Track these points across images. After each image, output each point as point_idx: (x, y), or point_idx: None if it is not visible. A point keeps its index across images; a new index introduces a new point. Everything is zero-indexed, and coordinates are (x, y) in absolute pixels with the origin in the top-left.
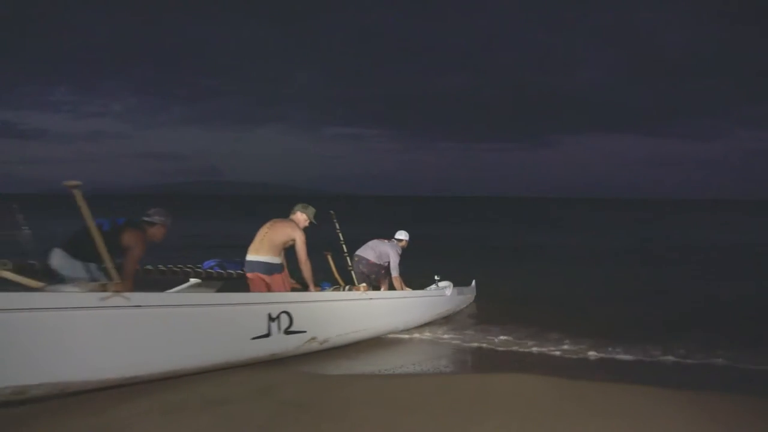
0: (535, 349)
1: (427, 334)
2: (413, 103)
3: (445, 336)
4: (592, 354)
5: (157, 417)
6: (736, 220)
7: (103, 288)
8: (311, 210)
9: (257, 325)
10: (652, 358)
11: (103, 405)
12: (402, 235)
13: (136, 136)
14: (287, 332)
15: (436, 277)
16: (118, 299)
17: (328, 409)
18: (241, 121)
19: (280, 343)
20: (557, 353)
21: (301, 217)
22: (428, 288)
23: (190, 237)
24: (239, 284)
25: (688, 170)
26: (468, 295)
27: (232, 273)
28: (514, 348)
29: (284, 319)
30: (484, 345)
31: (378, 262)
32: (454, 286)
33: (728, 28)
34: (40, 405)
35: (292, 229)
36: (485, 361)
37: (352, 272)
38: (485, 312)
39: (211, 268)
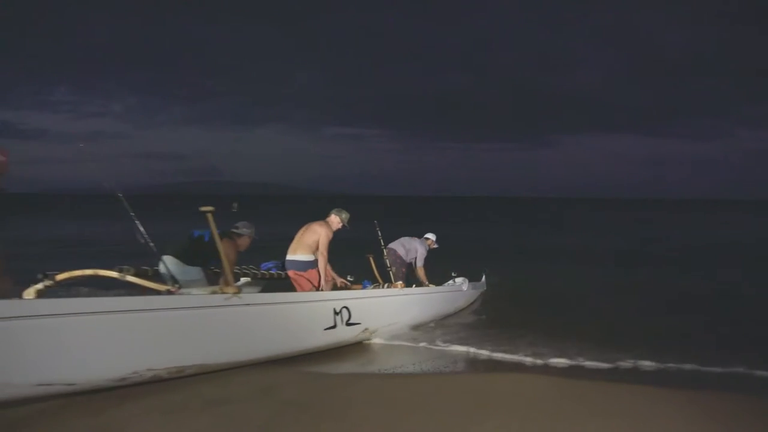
0: (535, 349)
1: (427, 334)
2: (413, 103)
3: (445, 336)
4: (591, 354)
5: (158, 417)
6: (736, 219)
7: (219, 291)
8: (345, 215)
9: (327, 319)
10: (651, 358)
11: (103, 405)
12: (430, 235)
13: (136, 136)
14: (348, 324)
15: (453, 274)
16: (235, 299)
17: (328, 408)
18: (240, 121)
19: (343, 334)
20: (557, 353)
21: (334, 219)
22: (446, 284)
23: None
24: (281, 283)
25: (688, 170)
26: (480, 289)
27: (281, 273)
28: (514, 348)
29: (345, 313)
30: (484, 345)
31: (404, 258)
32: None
33: (728, 28)
34: (40, 405)
35: (320, 227)
36: (485, 361)
37: (390, 272)
38: (486, 311)
39: (269, 269)
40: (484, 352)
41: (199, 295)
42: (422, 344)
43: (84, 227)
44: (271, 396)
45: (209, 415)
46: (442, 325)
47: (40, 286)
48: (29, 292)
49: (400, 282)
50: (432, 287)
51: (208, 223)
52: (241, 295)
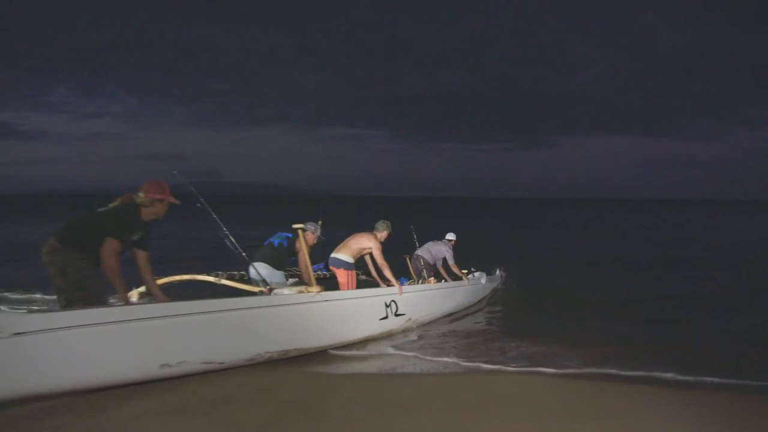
0: (534, 349)
1: (426, 333)
2: (412, 103)
3: (445, 335)
4: (591, 354)
5: (157, 418)
6: (735, 220)
7: (305, 290)
8: (388, 225)
9: (381, 311)
10: (652, 359)
11: (103, 406)
12: (451, 235)
13: (136, 136)
14: (396, 315)
15: (471, 269)
16: (318, 296)
17: (328, 409)
18: (240, 122)
19: (392, 323)
20: (557, 353)
21: (384, 233)
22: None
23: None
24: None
25: (687, 171)
26: (495, 282)
27: (326, 273)
28: (514, 348)
29: (393, 306)
30: (484, 345)
31: (431, 262)
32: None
33: (727, 29)
34: (42, 405)
35: (368, 240)
36: (485, 361)
37: (423, 270)
38: (486, 311)
39: (319, 270)
40: (485, 352)
41: (294, 294)
42: (422, 343)
43: None
44: (271, 396)
45: (208, 416)
46: (443, 324)
47: (142, 289)
48: (132, 294)
49: (432, 278)
50: (459, 282)
51: (299, 238)
52: (321, 292)
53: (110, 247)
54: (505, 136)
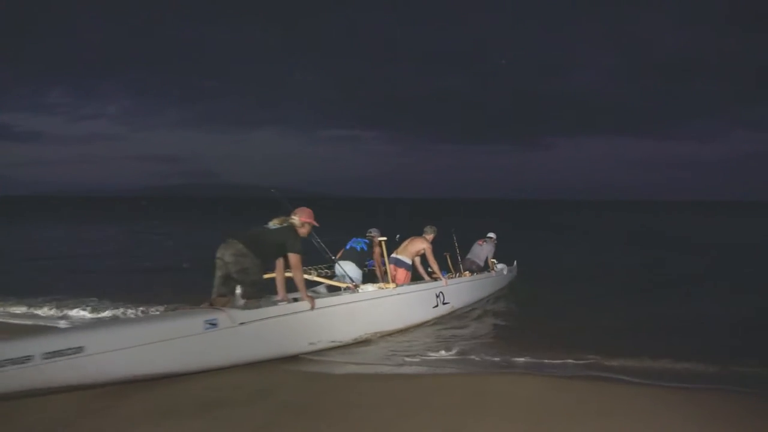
0: (532, 350)
1: (425, 334)
2: (410, 105)
3: (445, 336)
4: (589, 355)
5: (153, 420)
6: (733, 222)
7: (383, 286)
8: (435, 229)
9: (433, 300)
10: (649, 358)
11: (98, 408)
12: (492, 234)
13: (132, 138)
14: (443, 303)
15: (493, 261)
16: (394, 290)
17: (326, 410)
18: (237, 123)
19: (441, 310)
20: (555, 354)
21: (431, 236)
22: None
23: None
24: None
25: (686, 172)
26: (513, 273)
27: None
28: (512, 348)
29: (441, 296)
30: (483, 345)
31: (480, 263)
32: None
33: (725, 31)
34: (37, 406)
35: (421, 242)
36: (484, 362)
37: (461, 266)
38: (485, 313)
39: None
40: (483, 352)
41: (377, 290)
42: (421, 344)
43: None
44: (268, 398)
45: (204, 418)
46: (442, 324)
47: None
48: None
49: (468, 272)
50: (489, 273)
51: (380, 247)
52: (396, 287)
53: (298, 260)
54: (504, 138)
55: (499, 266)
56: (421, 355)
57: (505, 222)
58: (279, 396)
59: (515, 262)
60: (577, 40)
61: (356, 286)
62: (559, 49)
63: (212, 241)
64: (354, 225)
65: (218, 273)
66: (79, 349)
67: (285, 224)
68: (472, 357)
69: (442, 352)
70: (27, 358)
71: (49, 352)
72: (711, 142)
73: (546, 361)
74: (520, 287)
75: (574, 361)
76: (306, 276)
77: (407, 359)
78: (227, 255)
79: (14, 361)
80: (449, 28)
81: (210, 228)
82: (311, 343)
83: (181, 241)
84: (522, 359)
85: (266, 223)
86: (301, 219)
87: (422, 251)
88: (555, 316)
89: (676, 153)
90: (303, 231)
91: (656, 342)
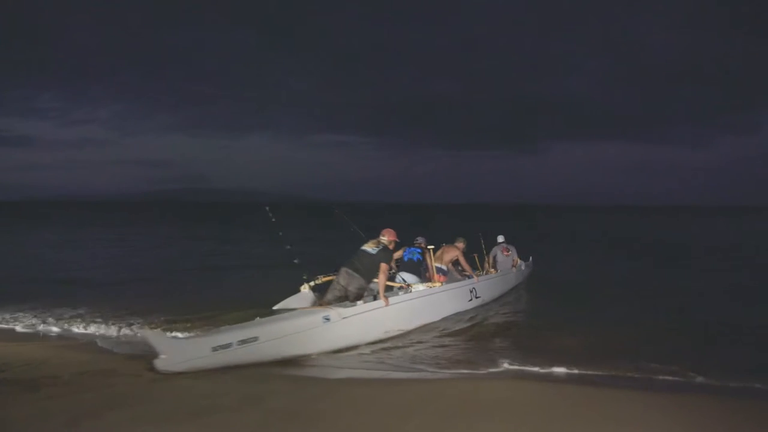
0: (525, 355)
1: (418, 339)
2: (402, 110)
3: (438, 340)
4: (582, 360)
5: (144, 427)
6: (721, 226)
7: (431, 285)
8: (464, 240)
9: (468, 295)
10: (646, 364)
11: (88, 412)
12: (501, 238)
13: (123, 143)
14: (476, 297)
15: (516, 259)
16: (440, 288)
17: (317, 416)
18: (229, 128)
19: (474, 303)
20: (549, 360)
21: (461, 244)
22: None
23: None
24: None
25: (676, 177)
26: (530, 269)
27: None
28: (506, 353)
29: (474, 291)
30: (476, 351)
31: (508, 265)
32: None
33: (716, 38)
34: (26, 411)
35: (454, 251)
36: (477, 366)
37: (487, 264)
38: (478, 317)
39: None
40: (477, 357)
41: (427, 288)
42: (414, 348)
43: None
44: (259, 404)
45: (196, 425)
46: (435, 328)
47: (311, 283)
48: (305, 287)
49: (493, 269)
50: (509, 270)
51: (429, 252)
52: (440, 285)
53: (385, 269)
54: (496, 143)
55: (519, 263)
56: (415, 360)
57: (500, 226)
58: (270, 402)
59: (530, 258)
60: (569, 45)
61: (408, 285)
62: (552, 53)
63: (192, 248)
64: (346, 230)
65: (336, 293)
66: (255, 339)
67: (380, 246)
68: (464, 362)
69: (436, 357)
70: (227, 345)
71: (240, 341)
72: (701, 147)
73: (539, 367)
74: (515, 292)
75: (567, 368)
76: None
77: (401, 364)
78: (342, 281)
79: (222, 347)
80: (441, 33)
81: (193, 238)
82: (386, 332)
83: (166, 249)
84: (516, 364)
85: (362, 245)
86: (389, 238)
87: (456, 258)
88: (549, 322)
89: (666, 158)
90: (392, 247)
91: (650, 348)
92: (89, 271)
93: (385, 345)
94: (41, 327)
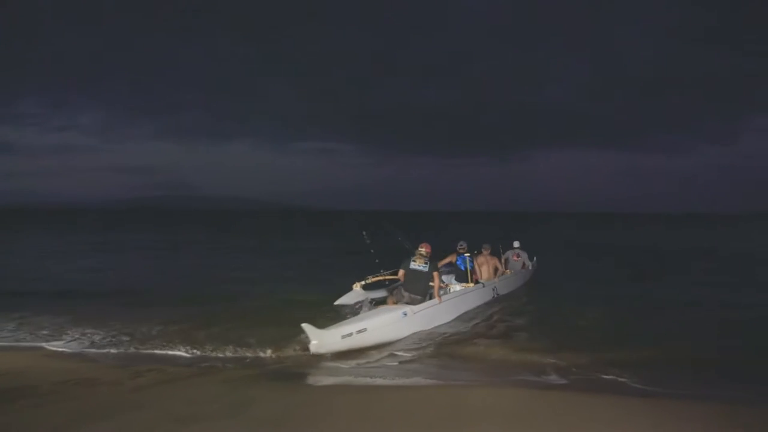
0: (510, 363)
1: (405, 345)
2: (386, 118)
3: (425, 347)
4: (566, 366)
5: None
6: (703, 234)
7: (469, 285)
8: (490, 246)
9: (491, 293)
10: (627, 370)
11: (69, 423)
12: (517, 243)
13: (106, 149)
14: (496, 294)
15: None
16: (473, 288)
17: (302, 424)
18: (213, 136)
19: (496, 298)
20: (533, 367)
21: (488, 250)
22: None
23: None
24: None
25: (657, 185)
26: (536, 266)
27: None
28: (490, 361)
29: (496, 289)
30: (462, 358)
31: (521, 267)
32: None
33: (693, 50)
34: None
35: (493, 258)
36: (463, 374)
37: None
38: (468, 325)
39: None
40: (462, 365)
41: (464, 288)
42: (399, 355)
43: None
44: (245, 411)
45: None
46: (420, 335)
47: (362, 282)
48: (356, 286)
49: (509, 270)
50: (520, 269)
51: (469, 260)
52: (473, 285)
53: (437, 276)
54: (481, 151)
55: (528, 263)
56: (401, 368)
57: (487, 233)
58: (256, 410)
59: (535, 258)
60: (554, 55)
61: (446, 285)
62: (536, 62)
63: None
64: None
65: (403, 300)
66: (365, 329)
67: (427, 261)
68: (451, 370)
69: (425, 365)
70: (349, 334)
71: (357, 331)
72: (679, 155)
73: (522, 373)
74: (502, 299)
75: (549, 374)
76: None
77: (387, 371)
78: (405, 297)
79: (347, 336)
80: (426, 41)
81: (174, 245)
82: (440, 322)
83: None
84: (498, 372)
85: (411, 263)
86: (427, 251)
87: (494, 266)
88: (534, 328)
89: (650, 165)
90: (430, 255)
91: (625, 354)
92: (71, 280)
93: (365, 353)
94: (22, 336)
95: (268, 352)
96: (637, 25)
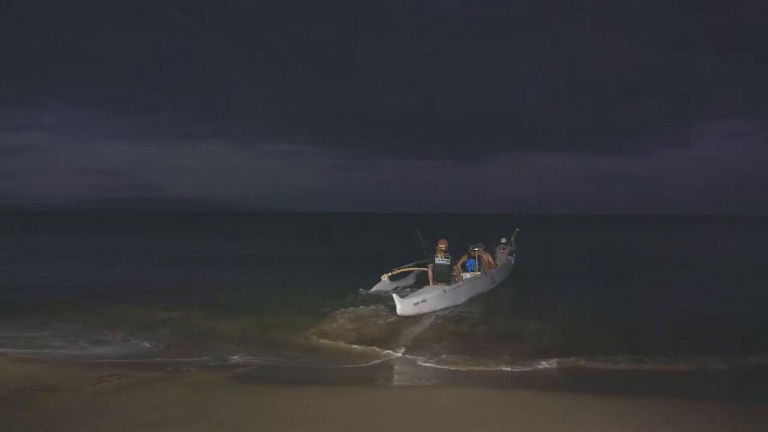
0: (474, 364)
1: (370, 343)
2: (354, 120)
3: (387, 348)
4: (528, 365)
5: None
6: (664, 234)
7: (478, 275)
8: (482, 244)
9: (491, 280)
10: (591, 368)
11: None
12: (504, 239)
13: (70, 150)
14: (493, 282)
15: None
16: (478, 276)
17: (265, 428)
18: (179, 136)
19: (494, 285)
20: (497, 367)
21: (479, 247)
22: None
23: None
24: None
25: (619, 187)
26: (514, 261)
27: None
28: (456, 362)
29: (493, 278)
30: (424, 358)
31: (502, 259)
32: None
33: (654, 56)
34: None
35: (484, 253)
36: (427, 375)
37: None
38: (429, 326)
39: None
40: (425, 366)
41: (474, 276)
42: (364, 356)
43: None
44: (208, 416)
45: None
46: (384, 335)
47: (389, 274)
48: (384, 276)
49: (498, 262)
50: (506, 262)
51: (479, 253)
52: (480, 274)
53: (458, 266)
54: (447, 153)
55: (509, 258)
56: (365, 370)
57: (457, 235)
58: (218, 414)
59: (514, 254)
60: (517, 60)
61: (461, 273)
62: (500, 67)
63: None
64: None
65: (436, 284)
66: (425, 300)
67: (447, 255)
68: (415, 370)
69: (389, 368)
70: (417, 302)
71: (422, 300)
72: (643, 158)
73: (488, 374)
74: (476, 298)
75: (512, 373)
76: (424, 269)
77: (351, 373)
78: (434, 283)
79: (416, 304)
80: (394, 44)
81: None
82: (462, 301)
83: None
84: (464, 372)
85: (435, 258)
86: (445, 247)
87: (486, 257)
88: (495, 330)
89: (612, 168)
90: (448, 249)
91: (598, 353)
92: (34, 282)
93: (330, 353)
94: None
95: (236, 357)
96: (597, 31)
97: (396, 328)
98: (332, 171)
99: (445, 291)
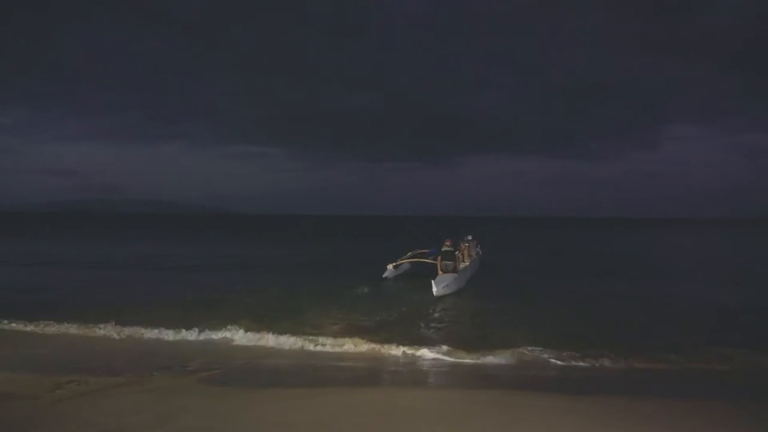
0: (440, 363)
1: (338, 347)
2: (320, 122)
3: (353, 348)
4: (491, 362)
5: None
6: (632, 237)
7: (466, 264)
8: (464, 239)
9: (471, 269)
10: (554, 367)
11: None
12: (470, 236)
13: (28, 151)
14: (474, 268)
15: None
16: (469, 263)
17: None
18: (143, 137)
19: (473, 270)
20: (466, 365)
21: (464, 243)
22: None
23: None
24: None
25: (586, 189)
26: (482, 255)
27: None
28: (423, 362)
29: (473, 264)
30: (391, 358)
31: (471, 252)
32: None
33: (621, 59)
34: None
35: (464, 248)
36: (393, 375)
37: (469, 258)
38: (395, 323)
39: (433, 255)
40: (393, 366)
41: (466, 264)
42: (333, 357)
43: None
44: (171, 422)
45: None
46: (352, 332)
47: (393, 264)
48: (390, 266)
49: (473, 253)
50: (478, 256)
51: (467, 246)
52: (469, 263)
53: (458, 260)
54: (413, 156)
55: (475, 250)
56: (327, 369)
57: (428, 235)
58: (182, 420)
59: (479, 247)
60: (484, 63)
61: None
62: (468, 70)
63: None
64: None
65: (447, 269)
66: (447, 284)
67: (452, 246)
68: (382, 370)
69: (351, 369)
70: (446, 285)
71: (447, 284)
72: (608, 160)
73: (455, 373)
74: (432, 299)
75: (479, 374)
76: (427, 260)
77: (318, 373)
78: (446, 266)
79: (444, 287)
80: (360, 47)
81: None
82: (463, 283)
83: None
84: (432, 372)
85: (444, 247)
86: (450, 242)
87: (464, 249)
88: (465, 328)
89: (575, 171)
90: (452, 244)
91: (564, 352)
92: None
93: (296, 355)
94: None
95: (198, 361)
96: (564, 34)
97: (358, 328)
98: (298, 174)
99: (456, 276)
